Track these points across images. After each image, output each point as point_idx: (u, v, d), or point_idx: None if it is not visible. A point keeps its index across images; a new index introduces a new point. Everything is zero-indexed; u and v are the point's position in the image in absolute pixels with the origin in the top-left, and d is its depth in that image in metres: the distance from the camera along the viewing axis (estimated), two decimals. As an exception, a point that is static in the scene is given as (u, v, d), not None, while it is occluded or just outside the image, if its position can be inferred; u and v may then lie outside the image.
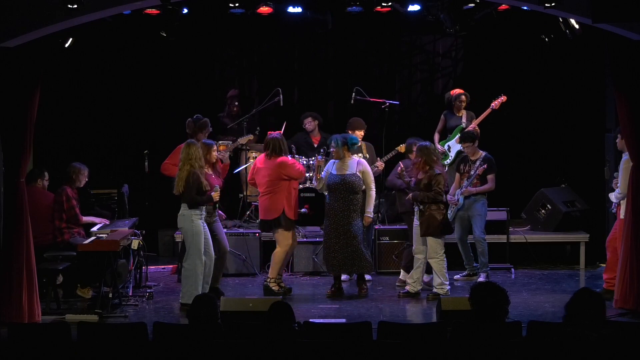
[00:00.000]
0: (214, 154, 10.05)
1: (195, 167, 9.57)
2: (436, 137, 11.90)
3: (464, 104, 11.76)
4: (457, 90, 11.85)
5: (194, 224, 9.60)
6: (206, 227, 9.73)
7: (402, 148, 11.06)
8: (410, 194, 10.07)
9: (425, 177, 9.95)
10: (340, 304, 9.95)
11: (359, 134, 10.93)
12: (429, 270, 10.18)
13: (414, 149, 10.19)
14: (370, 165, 10.46)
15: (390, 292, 10.46)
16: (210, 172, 9.98)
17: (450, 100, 11.83)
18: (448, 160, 11.61)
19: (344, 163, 10.13)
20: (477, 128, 11.50)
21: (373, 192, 10.19)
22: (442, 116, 11.93)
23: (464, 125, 11.61)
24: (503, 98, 11.67)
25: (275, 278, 10.26)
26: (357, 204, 10.08)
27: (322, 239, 11.29)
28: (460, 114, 11.76)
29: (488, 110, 11.66)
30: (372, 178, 10.21)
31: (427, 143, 10.19)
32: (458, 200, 10.69)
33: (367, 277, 10.55)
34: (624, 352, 5.99)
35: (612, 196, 10.03)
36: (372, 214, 10.31)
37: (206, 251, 9.68)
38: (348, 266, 10.19)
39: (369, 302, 10.00)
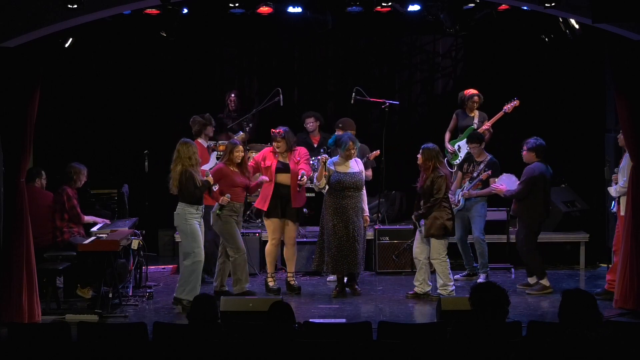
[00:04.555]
0: (237, 153, 10.06)
1: (186, 165, 9.57)
2: (447, 135, 11.79)
3: (476, 105, 11.63)
4: (471, 91, 11.66)
5: (188, 223, 9.59)
6: (201, 227, 9.73)
7: (371, 156, 11.17)
8: (413, 215, 10.05)
9: (429, 179, 9.86)
10: (340, 304, 9.94)
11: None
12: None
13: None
14: None
15: (390, 292, 10.46)
16: (236, 170, 10.07)
17: (463, 99, 11.68)
18: (457, 160, 11.46)
19: (345, 162, 10.12)
20: (490, 130, 11.47)
21: (364, 191, 10.28)
22: (454, 115, 11.78)
23: (475, 126, 11.50)
24: (516, 102, 11.51)
25: (270, 273, 10.42)
26: (360, 202, 10.13)
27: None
28: (473, 114, 11.62)
29: (500, 114, 11.54)
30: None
31: (432, 145, 10.08)
32: (459, 201, 10.68)
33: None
34: (624, 352, 6.00)
35: (612, 190, 9.96)
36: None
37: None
38: (354, 265, 10.16)
39: (369, 302, 10.00)
